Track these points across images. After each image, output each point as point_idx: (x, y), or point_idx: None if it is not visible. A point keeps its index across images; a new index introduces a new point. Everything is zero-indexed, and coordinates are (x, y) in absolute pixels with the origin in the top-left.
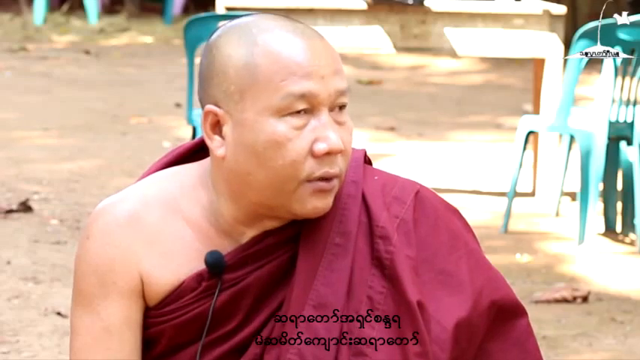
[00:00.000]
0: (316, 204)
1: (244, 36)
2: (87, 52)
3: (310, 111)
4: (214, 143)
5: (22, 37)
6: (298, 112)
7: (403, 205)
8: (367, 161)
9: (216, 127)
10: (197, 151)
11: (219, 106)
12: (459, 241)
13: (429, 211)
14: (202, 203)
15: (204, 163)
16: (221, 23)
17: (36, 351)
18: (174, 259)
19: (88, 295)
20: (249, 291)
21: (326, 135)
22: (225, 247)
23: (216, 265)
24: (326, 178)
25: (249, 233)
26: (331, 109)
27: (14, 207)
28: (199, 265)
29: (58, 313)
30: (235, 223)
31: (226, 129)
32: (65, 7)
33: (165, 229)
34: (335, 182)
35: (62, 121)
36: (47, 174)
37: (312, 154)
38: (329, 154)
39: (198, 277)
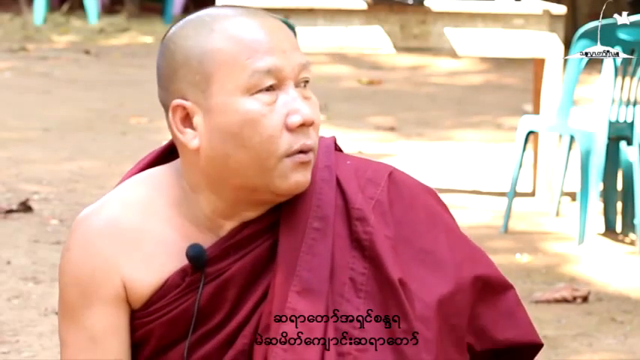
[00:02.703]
0: (298, 178)
1: (200, 26)
2: (87, 52)
3: (277, 86)
4: (187, 137)
5: (22, 37)
6: (267, 89)
7: (377, 186)
8: (337, 149)
9: (186, 120)
10: (169, 154)
11: (186, 99)
12: (436, 218)
13: (403, 191)
14: (179, 202)
15: (177, 163)
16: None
17: (36, 351)
18: (156, 260)
19: (72, 306)
20: (233, 282)
21: (297, 108)
22: (206, 242)
23: (197, 258)
24: (304, 151)
25: (228, 226)
26: (296, 85)
27: (14, 207)
28: (182, 264)
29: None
30: (214, 216)
31: (197, 120)
32: (65, 7)
33: (145, 232)
34: (311, 155)
35: (62, 121)
36: (47, 174)
37: (286, 127)
38: (303, 125)
39: (182, 273)
